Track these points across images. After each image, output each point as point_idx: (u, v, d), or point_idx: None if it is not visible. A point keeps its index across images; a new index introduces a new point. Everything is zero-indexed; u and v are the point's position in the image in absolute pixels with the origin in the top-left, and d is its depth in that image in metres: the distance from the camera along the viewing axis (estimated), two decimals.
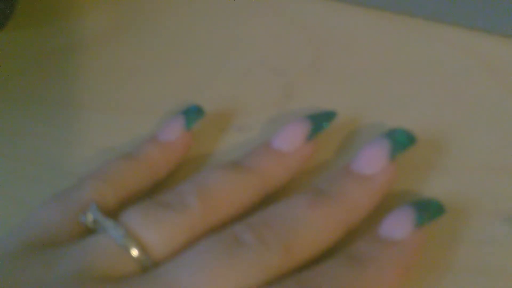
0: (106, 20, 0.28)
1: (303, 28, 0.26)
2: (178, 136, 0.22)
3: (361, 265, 0.17)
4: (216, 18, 0.27)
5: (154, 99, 0.25)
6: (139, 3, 0.28)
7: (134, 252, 0.17)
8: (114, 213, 0.19)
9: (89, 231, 0.19)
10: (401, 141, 0.20)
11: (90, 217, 0.18)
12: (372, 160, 0.19)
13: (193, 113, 0.22)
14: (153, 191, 0.21)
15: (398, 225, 0.18)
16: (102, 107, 0.25)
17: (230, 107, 0.24)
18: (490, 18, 0.24)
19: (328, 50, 0.25)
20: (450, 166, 0.21)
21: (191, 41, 0.26)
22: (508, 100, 0.23)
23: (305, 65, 0.25)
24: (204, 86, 0.25)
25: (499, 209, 0.20)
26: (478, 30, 0.24)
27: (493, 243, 0.20)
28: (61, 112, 0.25)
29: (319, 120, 0.21)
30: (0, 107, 0.26)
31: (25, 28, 0.28)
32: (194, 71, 0.26)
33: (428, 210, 0.19)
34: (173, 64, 0.26)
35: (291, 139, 0.20)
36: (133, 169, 0.21)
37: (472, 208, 0.20)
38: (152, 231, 0.18)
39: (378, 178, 0.19)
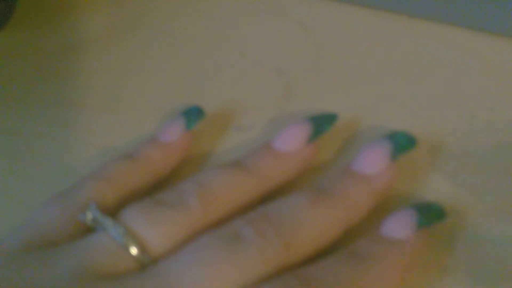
0: (106, 20, 0.28)
1: (303, 28, 0.26)
2: (178, 136, 0.22)
3: (363, 263, 0.17)
4: (217, 18, 0.27)
5: (154, 99, 0.25)
6: (139, 3, 0.28)
7: (134, 251, 0.17)
8: (113, 212, 0.19)
9: (88, 230, 0.19)
10: (402, 143, 0.20)
11: (89, 216, 0.18)
12: (373, 161, 0.19)
13: (193, 114, 0.22)
14: (153, 191, 0.21)
15: (400, 226, 0.18)
16: (102, 107, 0.25)
17: (230, 107, 0.24)
18: (490, 18, 0.24)
19: (328, 50, 0.25)
20: (450, 166, 0.21)
21: (192, 41, 0.26)
22: (508, 100, 0.23)
23: (305, 65, 0.25)
24: (204, 86, 0.25)
25: (499, 209, 0.20)
26: (478, 30, 0.24)
27: (493, 243, 0.20)
28: (61, 112, 0.25)
29: (321, 122, 0.21)
30: (0, 107, 0.26)
31: (25, 28, 0.28)
32: (194, 71, 0.26)
33: (429, 213, 0.19)
34: (173, 64, 0.26)
35: (292, 140, 0.21)
36: (133, 169, 0.21)
37: (472, 208, 0.20)
38: (151, 230, 0.18)
39: (379, 178, 0.19)
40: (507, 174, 0.21)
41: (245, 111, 0.24)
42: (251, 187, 0.20)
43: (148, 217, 0.18)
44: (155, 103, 0.25)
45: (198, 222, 0.18)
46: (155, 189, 0.21)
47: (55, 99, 0.25)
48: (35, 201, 0.20)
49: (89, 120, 0.25)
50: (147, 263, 0.17)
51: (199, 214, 0.18)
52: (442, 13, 0.24)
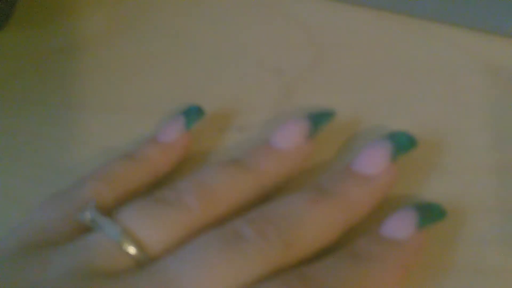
0: (106, 20, 0.28)
1: (303, 28, 0.26)
2: (177, 136, 0.22)
3: (363, 263, 0.17)
4: (217, 18, 0.27)
5: (154, 99, 0.25)
6: (139, 3, 0.28)
7: (131, 250, 0.17)
8: (112, 212, 0.19)
9: (87, 230, 0.18)
10: (402, 143, 0.20)
11: (87, 216, 0.18)
12: (373, 161, 0.19)
13: (193, 113, 0.22)
14: (153, 191, 0.21)
15: (401, 226, 0.18)
16: (102, 107, 0.25)
17: (230, 107, 0.24)
18: (490, 18, 0.24)
19: (328, 50, 0.25)
20: (450, 166, 0.21)
21: (192, 41, 0.26)
22: (507, 100, 0.23)
23: (305, 65, 0.25)
24: (204, 86, 0.25)
25: (499, 209, 0.20)
26: (478, 30, 0.24)
27: (493, 243, 0.20)
28: (61, 112, 0.25)
29: (318, 119, 0.21)
30: (0, 107, 0.26)
31: (25, 28, 0.28)
32: (194, 71, 0.25)
33: (430, 212, 0.19)
34: (173, 64, 0.26)
35: (290, 137, 0.21)
36: (132, 169, 0.21)
37: (472, 208, 0.20)
38: (149, 228, 0.18)
39: (379, 178, 0.19)
40: (507, 174, 0.21)
41: (245, 111, 0.24)
42: (249, 184, 0.20)
43: (146, 216, 0.18)
44: (155, 103, 0.25)
45: (196, 221, 0.18)
46: (155, 188, 0.21)
47: (55, 99, 0.25)
48: (35, 201, 0.20)
49: (89, 120, 0.25)
50: (145, 262, 0.17)
51: (198, 212, 0.18)
52: (442, 13, 0.24)
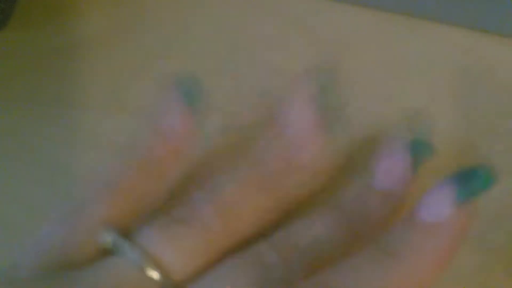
0: (106, 20, 0.28)
1: (304, 28, 0.26)
2: (182, 124, 0.19)
3: (395, 258, 0.16)
4: (217, 18, 0.27)
5: (154, 99, 0.25)
6: (139, 3, 0.28)
7: (155, 275, 0.16)
8: (129, 228, 0.18)
9: (107, 250, 0.17)
10: (421, 150, 0.19)
11: (108, 239, 0.17)
12: (394, 176, 0.19)
13: (192, 90, 0.20)
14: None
15: (436, 206, 0.16)
16: (102, 107, 0.25)
17: (231, 106, 0.24)
18: (490, 18, 0.24)
19: (328, 50, 0.25)
20: (450, 167, 0.21)
21: (192, 41, 0.26)
22: (508, 100, 0.23)
23: (305, 65, 0.25)
24: (204, 86, 0.25)
25: (499, 209, 0.20)
26: (478, 30, 0.24)
27: (493, 243, 0.20)
28: (61, 112, 0.25)
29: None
30: (0, 107, 0.26)
31: (25, 28, 0.28)
32: (195, 71, 0.25)
33: (472, 182, 0.16)
34: (173, 64, 0.26)
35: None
36: (144, 176, 0.19)
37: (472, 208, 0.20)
38: (171, 251, 0.17)
39: (399, 191, 0.19)
40: (506, 174, 0.21)
41: (246, 110, 0.24)
42: (270, 207, 0.19)
43: (167, 239, 0.17)
44: (154, 103, 0.25)
45: (218, 241, 0.17)
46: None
47: (55, 99, 0.25)
48: (36, 201, 0.20)
49: (89, 120, 0.25)
50: (168, 287, 0.17)
51: (219, 233, 0.17)
52: (442, 13, 0.24)
